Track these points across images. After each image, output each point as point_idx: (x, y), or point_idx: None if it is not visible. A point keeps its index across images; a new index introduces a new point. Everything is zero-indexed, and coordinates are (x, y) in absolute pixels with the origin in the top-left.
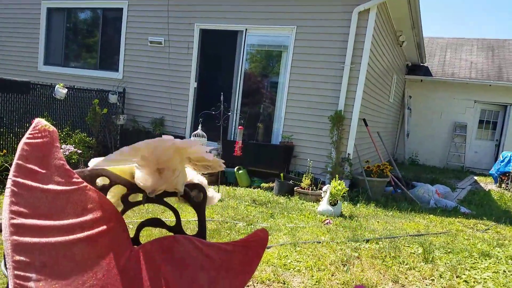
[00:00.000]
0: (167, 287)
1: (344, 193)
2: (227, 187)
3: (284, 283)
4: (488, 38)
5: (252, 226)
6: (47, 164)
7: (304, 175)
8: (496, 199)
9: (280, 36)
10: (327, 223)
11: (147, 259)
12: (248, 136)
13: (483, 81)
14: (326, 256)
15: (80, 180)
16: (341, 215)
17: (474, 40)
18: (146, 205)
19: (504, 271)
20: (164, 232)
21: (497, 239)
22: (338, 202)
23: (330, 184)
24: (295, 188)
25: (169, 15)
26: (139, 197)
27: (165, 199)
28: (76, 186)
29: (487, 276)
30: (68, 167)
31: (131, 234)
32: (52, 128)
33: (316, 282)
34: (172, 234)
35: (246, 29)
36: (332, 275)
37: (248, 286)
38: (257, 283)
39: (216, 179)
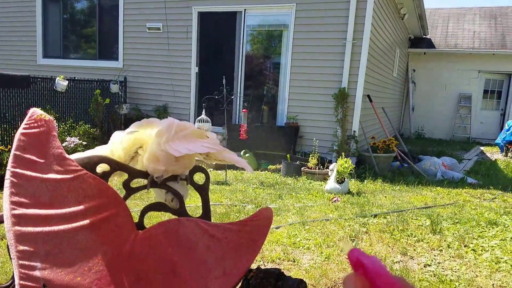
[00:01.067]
0: (174, 269)
1: (350, 170)
2: (234, 171)
3: (294, 261)
4: (491, 6)
5: (261, 208)
6: (45, 153)
7: (310, 155)
8: (503, 168)
9: (279, 14)
10: (335, 200)
11: (153, 243)
12: (252, 119)
13: (486, 50)
14: (334, 233)
15: (79, 168)
16: (349, 192)
17: (476, 9)
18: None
19: None
20: (169, 217)
21: (504, 207)
22: (345, 179)
23: (336, 162)
24: (302, 168)
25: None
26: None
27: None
28: (76, 174)
29: (495, 244)
30: (66, 155)
31: (135, 219)
32: (48, 117)
33: (326, 258)
34: (177, 217)
35: (245, 10)
36: (341, 251)
37: (259, 265)
38: (268, 262)
39: (223, 164)
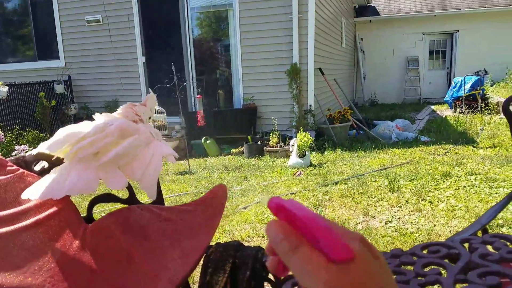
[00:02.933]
0: (129, 257)
1: (310, 143)
2: (197, 159)
3: (263, 236)
4: None
5: (228, 192)
6: None
7: (271, 134)
8: (452, 123)
9: None
10: (299, 174)
11: (104, 233)
12: (209, 104)
13: (428, 12)
14: None
15: (15, 167)
16: (311, 164)
17: None
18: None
19: (464, 187)
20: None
21: (456, 159)
22: (306, 153)
23: (296, 137)
24: (264, 148)
25: None
26: None
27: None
28: (12, 174)
29: (449, 194)
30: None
31: (83, 213)
32: None
33: None
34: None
35: None
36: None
37: (218, 241)
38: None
39: (184, 154)
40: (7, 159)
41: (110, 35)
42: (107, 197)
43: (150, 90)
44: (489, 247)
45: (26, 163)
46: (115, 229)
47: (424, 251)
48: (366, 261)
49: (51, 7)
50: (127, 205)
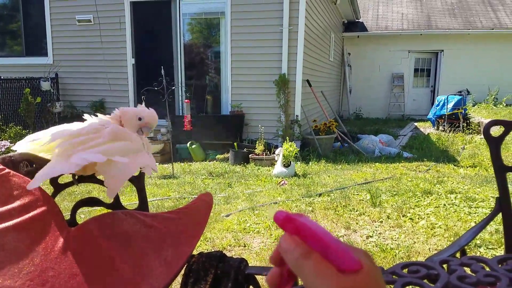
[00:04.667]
0: (111, 263)
1: (296, 153)
2: (182, 164)
3: (245, 246)
4: None
5: (200, 193)
6: None
7: (257, 142)
8: (435, 141)
9: (215, 2)
10: (283, 184)
11: (87, 238)
12: (197, 109)
13: (414, 31)
14: None
15: (1, 167)
16: (295, 174)
17: None
18: (90, 189)
19: (444, 205)
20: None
21: (437, 177)
22: (291, 163)
23: (282, 147)
24: (250, 155)
25: None
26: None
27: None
28: None
29: (430, 211)
30: None
31: (67, 217)
32: None
33: (275, 239)
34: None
35: None
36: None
37: (201, 251)
38: (219, 250)
39: (169, 157)
40: None
41: (101, 36)
42: (91, 201)
43: (143, 104)
44: (467, 269)
45: (13, 163)
46: (98, 234)
47: (405, 270)
48: (372, 272)
49: (42, 4)
50: (111, 210)
